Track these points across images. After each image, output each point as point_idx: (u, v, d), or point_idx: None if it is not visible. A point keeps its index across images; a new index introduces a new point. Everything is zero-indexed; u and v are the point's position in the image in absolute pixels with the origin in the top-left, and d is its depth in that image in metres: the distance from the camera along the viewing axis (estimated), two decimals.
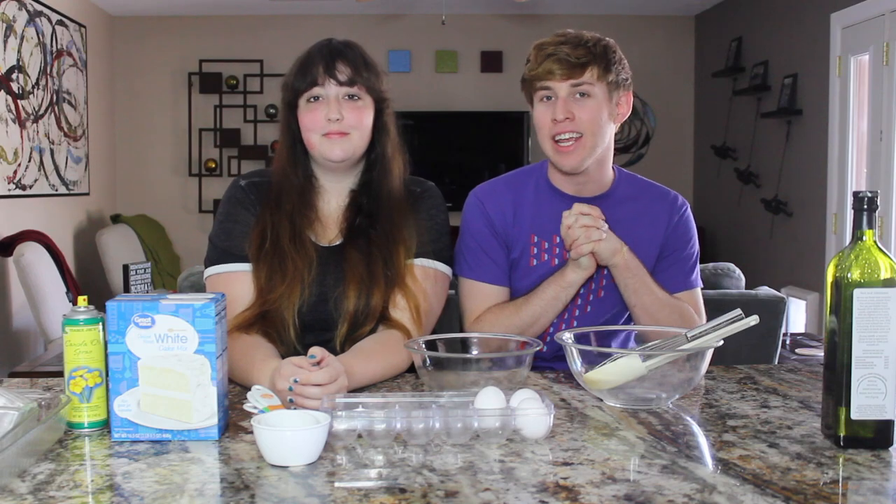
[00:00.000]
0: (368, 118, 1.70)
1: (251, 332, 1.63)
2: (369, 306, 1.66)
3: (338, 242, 1.73)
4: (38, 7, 5.27)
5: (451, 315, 1.95)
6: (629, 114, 1.85)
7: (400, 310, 1.68)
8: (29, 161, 5.10)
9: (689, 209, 1.93)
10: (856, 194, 1.20)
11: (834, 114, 4.78)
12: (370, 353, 1.59)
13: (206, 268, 1.74)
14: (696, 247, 1.92)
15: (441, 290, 1.76)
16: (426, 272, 1.72)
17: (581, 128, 1.76)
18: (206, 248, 1.76)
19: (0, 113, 4.70)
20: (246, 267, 1.69)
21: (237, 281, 1.68)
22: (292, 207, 1.71)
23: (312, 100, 1.68)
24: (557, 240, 1.85)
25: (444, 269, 1.77)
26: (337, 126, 1.66)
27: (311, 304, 1.67)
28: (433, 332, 1.75)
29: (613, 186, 1.89)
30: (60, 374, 1.36)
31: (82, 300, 1.33)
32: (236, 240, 1.71)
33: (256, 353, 1.56)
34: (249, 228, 1.71)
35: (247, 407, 1.35)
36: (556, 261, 1.85)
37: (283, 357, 1.50)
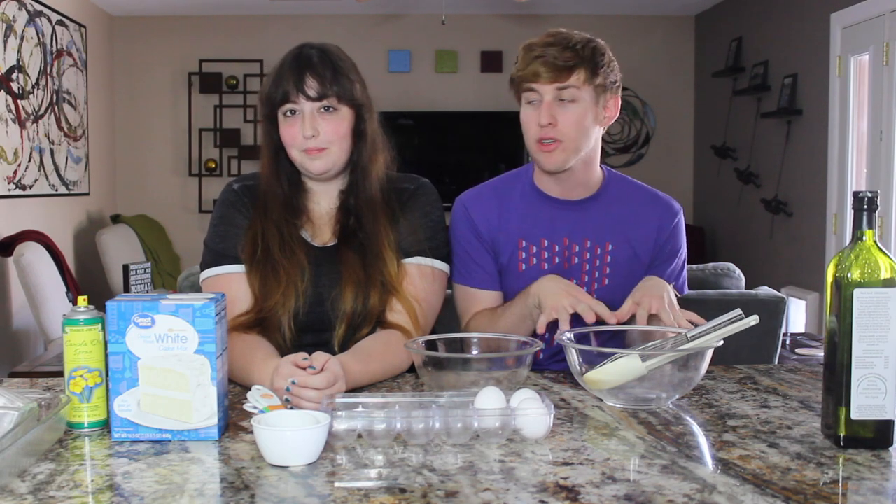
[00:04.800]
0: (345, 128, 1.67)
1: (250, 331, 1.63)
2: (367, 307, 1.66)
3: (332, 243, 1.73)
4: (38, 7, 5.27)
5: (452, 314, 1.95)
6: (616, 116, 1.84)
7: (397, 312, 1.67)
8: (29, 161, 5.10)
9: (681, 216, 1.91)
10: (856, 194, 1.20)
11: (834, 114, 4.78)
12: (370, 354, 1.59)
13: (201, 271, 1.74)
14: (685, 253, 1.91)
15: (439, 288, 1.76)
16: (423, 270, 1.72)
17: (562, 134, 1.75)
18: (202, 252, 1.76)
19: (0, 113, 4.69)
20: (241, 268, 1.69)
21: (233, 282, 1.68)
22: (278, 216, 1.70)
23: (289, 113, 1.66)
24: (545, 243, 1.85)
25: (441, 266, 1.76)
26: (314, 142, 1.65)
27: (307, 306, 1.66)
28: (433, 332, 1.75)
29: (602, 188, 1.87)
30: (60, 374, 1.36)
31: (82, 300, 1.33)
32: (231, 242, 1.71)
33: (257, 352, 1.56)
34: (243, 231, 1.71)
35: (247, 407, 1.35)
36: (546, 265, 1.85)
37: (282, 356, 1.50)
